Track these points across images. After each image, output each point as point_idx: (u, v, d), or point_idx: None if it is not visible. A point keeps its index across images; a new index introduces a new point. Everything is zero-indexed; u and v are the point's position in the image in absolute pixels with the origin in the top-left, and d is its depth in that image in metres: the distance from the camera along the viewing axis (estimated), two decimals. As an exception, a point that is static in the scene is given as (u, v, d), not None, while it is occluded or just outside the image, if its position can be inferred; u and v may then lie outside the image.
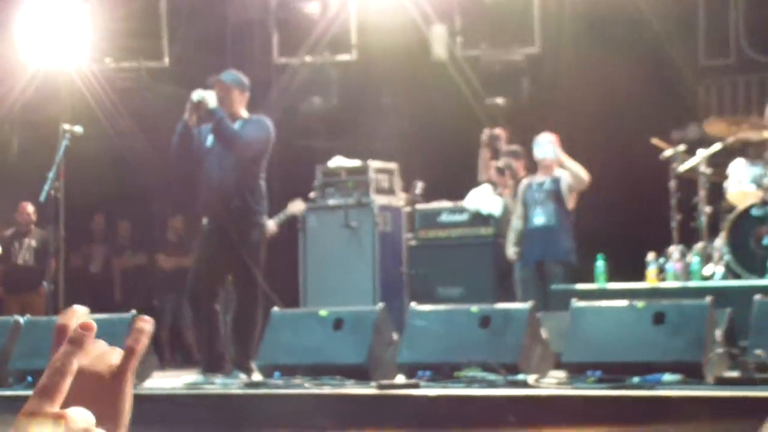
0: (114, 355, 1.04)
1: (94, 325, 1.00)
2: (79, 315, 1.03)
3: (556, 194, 10.23)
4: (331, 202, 10.80)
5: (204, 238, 8.16)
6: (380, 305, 8.15)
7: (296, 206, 10.22)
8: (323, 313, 7.90)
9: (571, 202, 10.25)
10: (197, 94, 7.83)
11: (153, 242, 13.07)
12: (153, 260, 12.86)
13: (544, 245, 10.18)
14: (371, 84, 12.11)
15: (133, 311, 8.15)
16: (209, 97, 7.82)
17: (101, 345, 1.05)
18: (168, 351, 12.08)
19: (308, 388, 7.14)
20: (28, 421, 0.91)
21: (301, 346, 7.67)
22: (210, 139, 8.01)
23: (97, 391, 1.00)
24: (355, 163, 10.96)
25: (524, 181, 10.39)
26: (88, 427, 0.92)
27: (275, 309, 8.14)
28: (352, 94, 12.04)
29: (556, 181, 10.23)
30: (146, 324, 1.05)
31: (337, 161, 11.08)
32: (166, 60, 12.08)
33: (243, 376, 7.74)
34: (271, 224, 9.91)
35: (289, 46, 11.84)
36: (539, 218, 10.22)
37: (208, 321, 7.97)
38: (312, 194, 10.95)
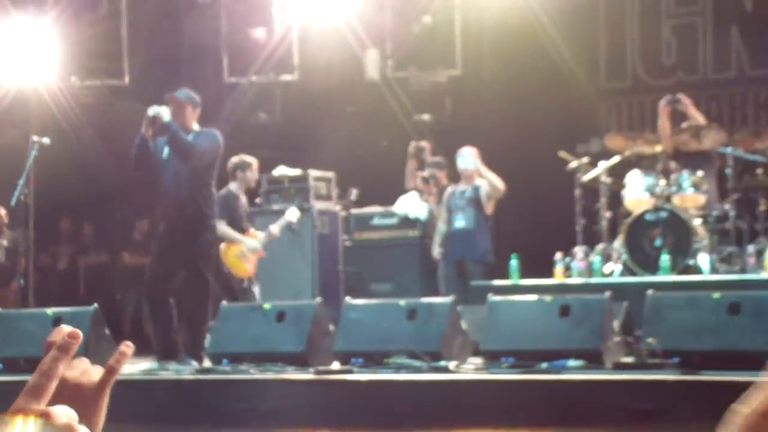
0: (96, 372, 1.06)
1: (80, 335, 1.01)
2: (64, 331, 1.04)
3: (476, 201, 10.28)
4: (275, 206, 10.76)
5: (160, 239, 8.09)
6: (318, 299, 8.15)
7: (292, 213, 10.18)
8: (267, 306, 7.87)
9: (489, 208, 10.30)
10: (153, 110, 7.77)
11: (114, 242, 12.92)
12: (115, 258, 12.71)
13: (465, 246, 10.22)
14: (311, 101, 12.07)
15: (95, 305, 8.07)
16: (164, 112, 7.76)
17: (85, 362, 1.07)
18: (129, 341, 11.92)
19: (253, 373, 7.10)
20: (17, 417, 0.91)
21: (247, 336, 7.63)
22: (166, 151, 7.94)
23: (79, 401, 1.01)
24: (297, 172, 10.94)
25: (449, 189, 10.43)
26: (70, 423, 0.92)
27: (224, 302, 8.09)
28: (294, 110, 12.00)
29: (476, 190, 10.28)
30: (128, 349, 1.08)
31: (281, 170, 11.05)
32: (127, 79, 11.93)
33: (195, 363, 7.68)
34: (275, 229, 9.90)
35: (238, 67, 11.75)
36: (460, 222, 10.26)
37: (163, 314, 7.91)
38: (258, 200, 10.90)
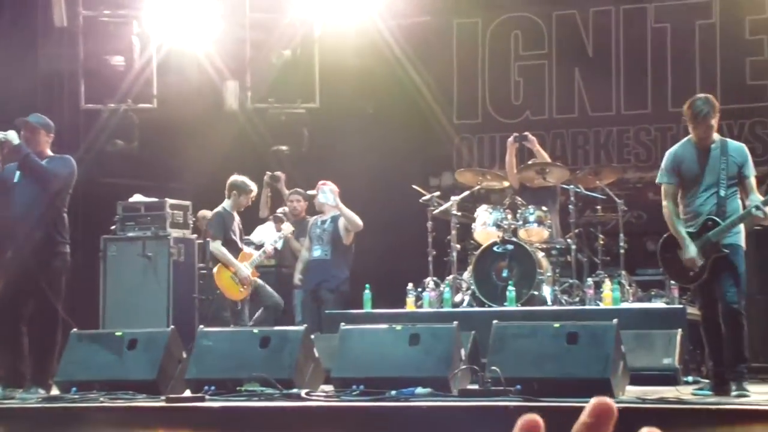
0: None
1: None
2: None
3: (333, 232, 10.38)
4: (131, 234, 10.61)
5: (8, 266, 7.82)
6: (171, 327, 8.03)
7: (287, 228, 10.15)
8: (119, 333, 7.69)
9: (347, 239, 10.37)
10: (0, 133, 7.59)
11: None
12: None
13: (320, 275, 10.25)
14: (170, 130, 11.91)
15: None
16: (11, 135, 7.61)
17: None
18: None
19: (102, 402, 6.92)
20: None
21: (98, 364, 7.43)
22: (17, 175, 7.72)
23: None
24: (153, 199, 10.79)
25: (312, 219, 10.56)
26: None
27: (74, 330, 7.87)
28: (152, 138, 11.80)
29: (334, 221, 10.39)
30: None
31: (137, 198, 10.89)
32: (-21, 103, 11.54)
33: (42, 392, 7.44)
34: (269, 247, 10.00)
35: (96, 94, 11.49)
36: (317, 252, 10.33)
37: (12, 341, 7.65)
38: (113, 227, 10.70)
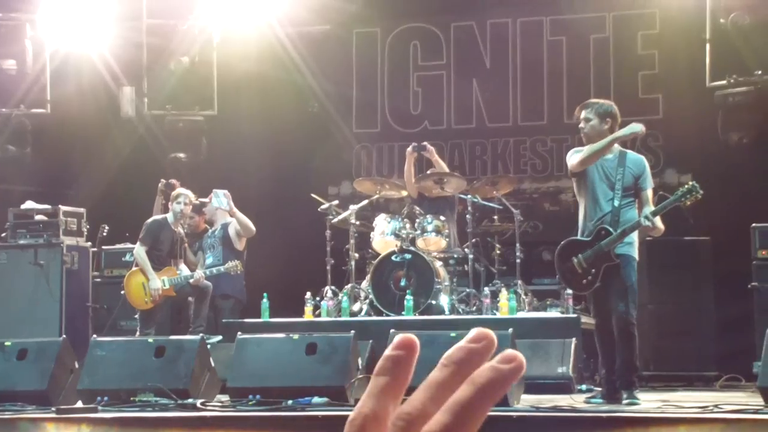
0: None
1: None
2: None
3: (224, 238, 10.33)
4: (22, 241, 10.36)
5: None
6: (63, 337, 7.86)
7: (234, 266, 9.78)
8: (8, 343, 7.49)
9: (240, 245, 10.31)
10: None
11: None
12: None
13: (214, 283, 10.14)
14: (64, 136, 11.67)
15: None
16: None
17: None
18: None
19: (-10, 414, 6.72)
20: None
21: (-15, 375, 7.22)
22: None
23: None
24: (46, 206, 10.56)
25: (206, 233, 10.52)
26: None
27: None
28: (46, 144, 11.54)
29: (224, 227, 10.36)
30: None
31: (29, 205, 10.63)
32: None
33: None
34: (199, 274, 9.64)
35: (-15, 98, 11.20)
36: (209, 260, 10.29)
37: None
38: (3, 234, 10.43)
